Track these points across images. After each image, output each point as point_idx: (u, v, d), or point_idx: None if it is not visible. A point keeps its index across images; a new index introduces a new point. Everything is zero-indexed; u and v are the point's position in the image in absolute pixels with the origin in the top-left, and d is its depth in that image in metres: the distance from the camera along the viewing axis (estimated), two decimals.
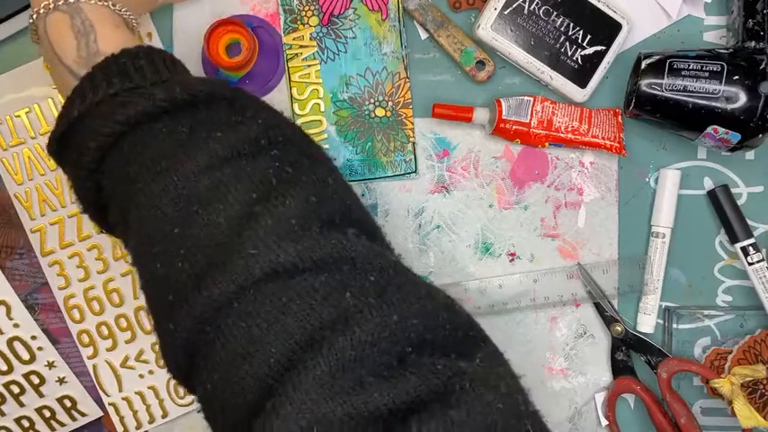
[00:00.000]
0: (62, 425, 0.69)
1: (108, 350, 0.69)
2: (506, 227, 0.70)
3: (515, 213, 0.70)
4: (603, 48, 0.67)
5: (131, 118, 0.46)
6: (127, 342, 0.69)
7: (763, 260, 0.68)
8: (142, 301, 0.69)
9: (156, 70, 0.48)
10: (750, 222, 0.69)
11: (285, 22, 0.68)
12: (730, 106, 0.63)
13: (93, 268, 0.69)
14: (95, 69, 0.48)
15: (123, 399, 0.69)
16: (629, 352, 0.70)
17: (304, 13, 0.68)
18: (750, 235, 0.68)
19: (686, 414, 0.67)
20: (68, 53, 0.50)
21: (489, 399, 0.41)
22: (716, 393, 0.68)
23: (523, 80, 0.70)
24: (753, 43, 0.64)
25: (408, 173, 0.69)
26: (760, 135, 0.63)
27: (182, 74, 0.51)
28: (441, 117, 0.68)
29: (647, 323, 0.70)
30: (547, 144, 0.68)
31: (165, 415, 0.70)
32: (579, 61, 0.67)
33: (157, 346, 0.69)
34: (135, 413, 0.70)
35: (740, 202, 0.70)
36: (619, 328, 0.70)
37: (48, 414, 0.69)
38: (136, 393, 0.69)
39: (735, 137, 0.63)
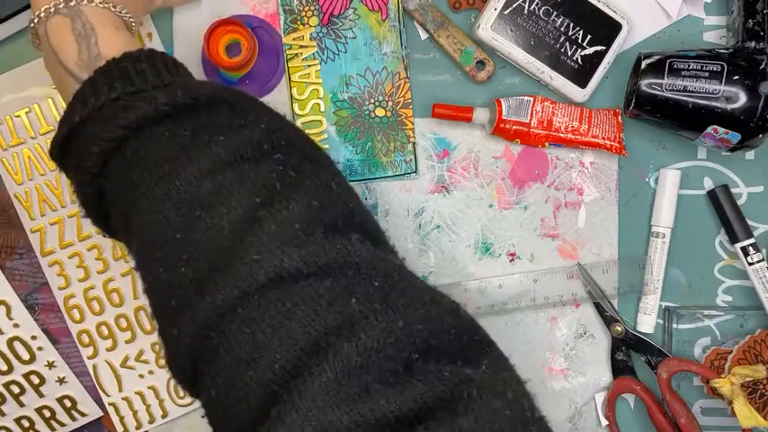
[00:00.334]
0: (62, 425, 0.69)
1: (108, 350, 0.69)
2: (506, 227, 0.70)
3: (515, 213, 0.70)
4: (603, 48, 0.67)
5: (133, 122, 0.46)
6: (127, 342, 0.69)
7: (763, 260, 0.68)
8: (142, 301, 0.69)
9: (157, 74, 0.48)
10: (750, 222, 0.69)
11: (285, 22, 0.68)
12: (730, 106, 0.63)
13: (93, 268, 0.69)
14: (97, 73, 0.48)
15: (123, 399, 0.69)
16: (629, 352, 0.70)
17: (304, 13, 0.68)
18: (750, 235, 0.68)
19: (686, 414, 0.67)
20: (70, 57, 0.50)
21: (497, 406, 0.41)
22: (716, 393, 0.68)
23: (523, 80, 0.70)
24: (753, 43, 0.64)
25: (408, 173, 0.69)
26: (760, 135, 0.63)
27: (184, 77, 0.51)
28: (441, 117, 0.68)
29: (647, 323, 0.70)
30: (547, 144, 0.68)
31: (165, 415, 0.70)
32: (579, 61, 0.67)
33: (158, 347, 0.69)
34: (135, 413, 0.70)
35: (740, 202, 0.70)
36: (619, 328, 0.70)
37: (48, 414, 0.69)
38: (136, 393, 0.69)
39: (735, 137, 0.63)
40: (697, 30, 0.70)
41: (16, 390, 0.68)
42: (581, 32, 0.67)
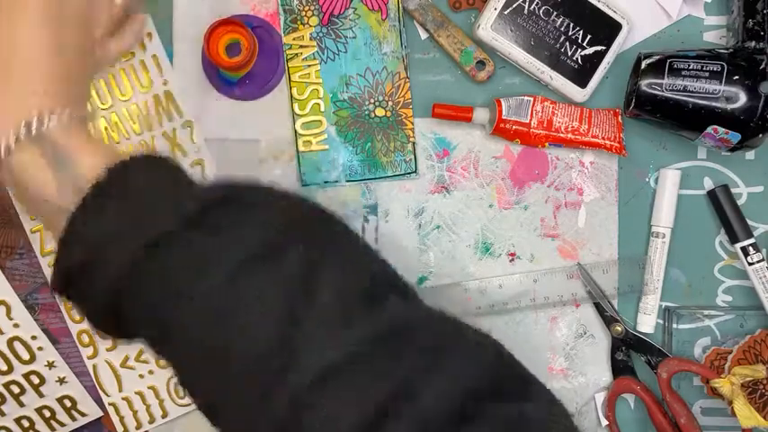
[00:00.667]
0: (62, 425, 0.69)
1: (108, 350, 0.69)
2: (506, 227, 0.70)
3: (515, 213, 0.70)
4: (603, 48, 0.67)
5: (143, 244, 0.43)
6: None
7: (763, 260, 0.68)
8: None
9: (153, 182, 0.45)
10: (750, 222, 0.69)
11: (285, 22, 0.68)
12: (730, 106, 0.63)
13: None
14: (87, 200, 0.44)
15: (123, 399, 0.69)
16: (629, 352, 0.70)
17: (304, 13, 0.68)
18: (750, 235, 0.68)
19: (686, 414, 0.67)
20: (48, 189, 0.46)
21: None
22: (716, 393, 0.68)
23: (523, 80, 0.70)
24: (753, 43, 0.64)
25: (408, 173, 0.69)
26: (760, 135, 0.63)
27: (175, 174, 0.47)
28: (441, 117, 0.68)
29: (647, 323, 0.70)
30: (547, 144, 0.68)
31: (165, 415, 0.70)
32: (579, 61, 0.67)
33: None
34: (135, 413, 0.70)
35: (740, 202, 0.70)
36: (619, 328, 0.70)
37: (48, 414, 0.69)
38: (136, 393, 0.69)
39: (735, 137, 0.63)
40: (697, 30, 0.70)
41: (16, 390, 0.68)
42: (581, 32, 0.67)
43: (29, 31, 0.50)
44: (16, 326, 0.68)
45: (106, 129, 0.68)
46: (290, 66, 0.69)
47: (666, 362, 0.68)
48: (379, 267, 0.49)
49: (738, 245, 0.69)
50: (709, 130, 0.64)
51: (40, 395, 0.69)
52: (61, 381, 0.69)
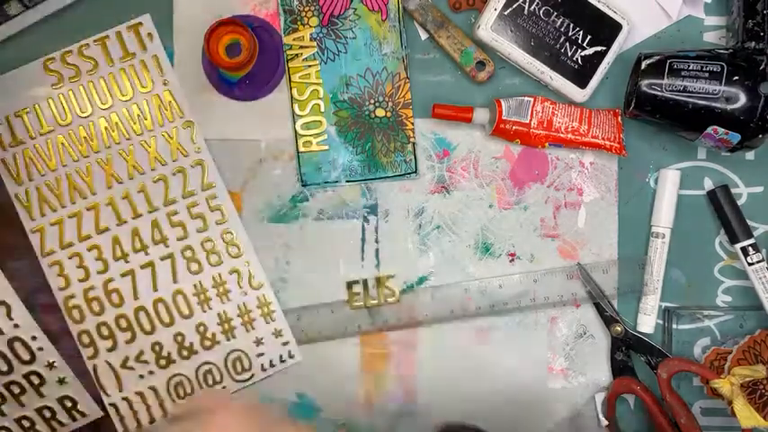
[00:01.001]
0: (62, 425, 0.69)
1: (108, 350, 0.69)
2: (506, 227, 0.70)
3: (515, 214, 0.70)
4: (603, 48, 0.67)
5: None
6: (127, 342, 0.69)
7: (762, 260, 0.68)
8: (142, 301, 0.69)
9: None
10: (750, 222, 0.69)
11: (285, 23, 0.68)
12: (730, 107, 0.63)
13: (93, 268, 0.69)
14: None
15: (123, 399, 0.69)
16: (629, 352, 0.70)
17: (304, 13, 0.68)
18: (750, 235, 0.69)
19: (686, 414, 0.67)
20: None
21: None
22: (716, 393, 0.68)
23: (523, 80, 0.70)
24: (753, 44, 0.64)
25: (408, 173, 0.69)
26: (760, 135, 0.63)
27: None
28: (441, 117, 0.68)
29: (646, 323, 0.70)
30: (547, 144, 0.68)
31: (165, 415, 0.70)
32: (579, 62, 0.67)
33: (158, 347, 0.69)
34: (135, 413, 0.70)
35: (740, 202, 0.70)
36: (619, 329, 0.70)
37: (48, 414, 0.69)
38: (136, 393, 0.69)
39: (735, 137, 0.64)
40: (697, 30, 0.70)
41: (16, 390, 0.68)
42: (581, 33, 0.67)
43: None
44: (16, 326, 0.68)
45: (106, 129, 0.68)
46: (290, 66, 0.69)
47: (666, 362, 0.68)
48: None
49: (738, 245, 0.69)
50: (709, 130, 0.64)
51: (40, 395, 0.69)
52: (61, 381, 0.69)
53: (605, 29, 0.67)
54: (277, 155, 0.69)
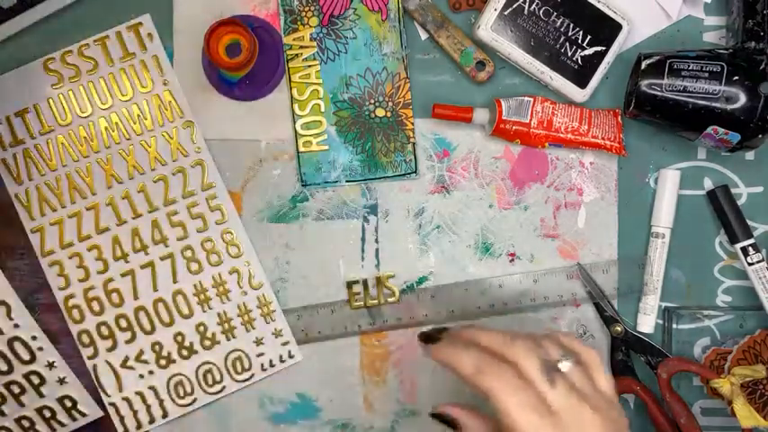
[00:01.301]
0: (62, 425, 0.69)
1: (108, 350, 0.69)
2: (506, 227, 0.70)
3: (515, 213, 0.70)
4: (603, 48, 0.67)
5: None
6: (127, 342, 0.69)
7: (762, 260, 0.68)
8: (142, 301, 0.69)
9: None
10: (750, 222, 0.69)
11: (285, 23, 0.68)
12: (730, 107, 0.63)
13: (93, 268, 0.69)
14: None
15: (123, 399, 0.69)
16: (628, 352, 0.70)
17: (304, 13, 0.68)
18: (750, 235, 0.69)
19: (686, 414, 0.67)
20: None
21: None
22: (716, 393, 0.68)
23: (523, 80, 0.70)
24: (753, 44, 0.64)
25: (408, 173, 0.69)
26: (760, 135, 0.63)
27: None
28: (441, 117, 0.68)
29: (646, 323, 0.70)
30: (547, 144, 0.68)
31: (165, 415, 0.70)
32: (579, 62, 0.67)
33: (158, 347, 0.69)
34: (135, 413, 0.70)
35: (740, 202, 0.70)
36: (619, 328, 0.70)
37: (48, 414, 0.69)
38: (136, 393, 0.69)
39: (735, 137, 0.64)
40: (697, 30, 0.70)
41: (16, 390, 0.68)
42: (581, 33, 0.67)
43: None
44: (16, 326, 0.68)
45: (106, 129, 0.68)
46: (290, 66, 0.69)
47: (666, 362, 0.68)
48: None
49: (738, 245, 0.69)
50: (709, 130, 0.64)
51: (40, 395, 0.69)
52: (61, 381, 0.69)
53: (605, 29, 0.67)
54: (277, 155, 0.69)
